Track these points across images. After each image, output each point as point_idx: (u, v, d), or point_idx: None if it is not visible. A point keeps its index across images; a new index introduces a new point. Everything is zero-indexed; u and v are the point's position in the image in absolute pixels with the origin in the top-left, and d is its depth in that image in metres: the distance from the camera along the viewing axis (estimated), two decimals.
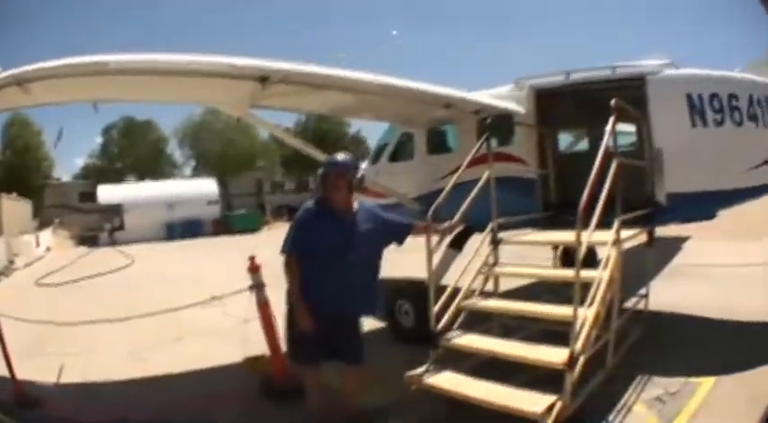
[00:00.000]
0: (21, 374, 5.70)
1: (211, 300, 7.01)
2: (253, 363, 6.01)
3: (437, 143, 8.48)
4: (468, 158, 5.84)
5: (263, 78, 5.46)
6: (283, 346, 4.99)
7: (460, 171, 5.66)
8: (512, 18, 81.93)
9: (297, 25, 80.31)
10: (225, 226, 35.72)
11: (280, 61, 5.53)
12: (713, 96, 6.32)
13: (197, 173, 49.69)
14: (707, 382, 5.00)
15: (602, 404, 4.61)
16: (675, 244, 12.24)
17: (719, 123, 6.31)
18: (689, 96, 6.33)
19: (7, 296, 14.19)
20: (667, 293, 7.74)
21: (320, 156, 6.15)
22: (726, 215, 6.92)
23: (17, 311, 8.19)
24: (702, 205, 6.46)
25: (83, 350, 7.50)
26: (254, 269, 5.73)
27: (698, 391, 4.87)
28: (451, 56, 78.00)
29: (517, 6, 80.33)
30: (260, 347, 5.80)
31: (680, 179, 6.30)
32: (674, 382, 5.04)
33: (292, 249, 4.29)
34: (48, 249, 28.27)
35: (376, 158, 9.53)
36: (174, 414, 5.22)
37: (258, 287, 5.70)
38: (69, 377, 6.43)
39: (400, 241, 4.65)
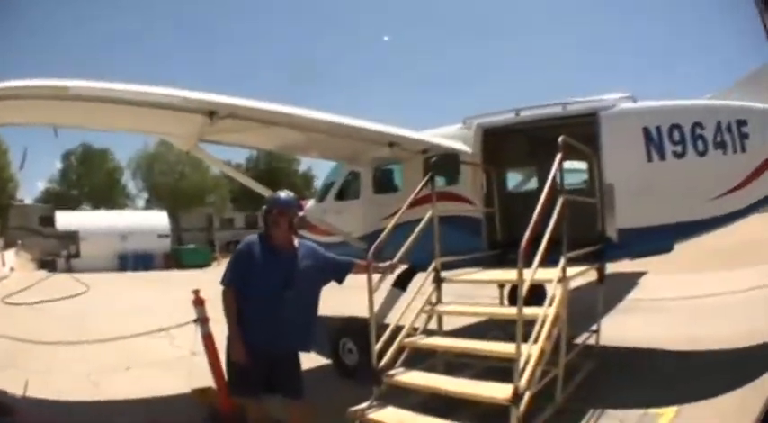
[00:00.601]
0: None
1: (160, 331, 6.89)
2: (200, 394, 5.95)
3: (383, 182, 8.50)
4: (411, 198, 5.86)
5: (212, 112, 5.50)
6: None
7: (402, 211, 5.68)
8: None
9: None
10: (175, 260, 35.92)
11: (230, 96, 5.61)
12: (674, 127, 6.25)
13: (149, 205, 49.73)
14: (668, 412, 4.91)
15: None
16: (632, 279, 12.38)
17: (680, 155, 6.25)
18: (646, 130, 6.32)
19: None
20: (623, 328, 7.78)
21: (266, 192, 6.15)
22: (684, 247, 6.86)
23: None
24: (657, 239, 6.41)
25: (45, 368, 7.71)
26: (198, 302, 5.68)
27: (659, 422, 4.79)
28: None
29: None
30: (207, 378, 5.70)
31: (632, 214, 6.30)
32: (631, 414, 4.97)
33: (231, 281, 4.29)
34: (12, 269, 28.55)
35: (322, 197, 9.53)
36: None
37: (202, 320, 5.65)
38: (33, 392, 6.54)
39: (340, 279, 4.68)
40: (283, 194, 4.54)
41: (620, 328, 7.64)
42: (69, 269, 31.75)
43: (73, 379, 7.28)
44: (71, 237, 35.88)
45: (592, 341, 6.74)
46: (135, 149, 49.89)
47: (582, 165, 8.13)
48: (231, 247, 40.62)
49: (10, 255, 31.26)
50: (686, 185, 6.27)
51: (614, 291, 10.05)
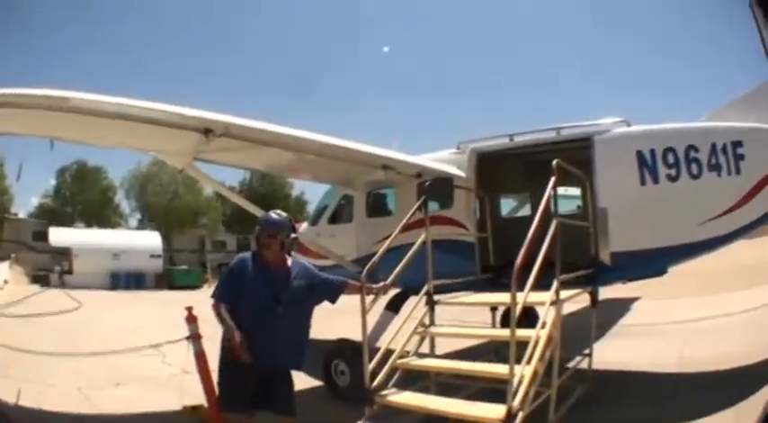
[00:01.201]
0: None
1: (152, 347, 6.87)
2: (192, 411, 5.91)
3: (377, 206, 8.51)
4: (404, 221, 5.89)
5: (207, 130, 5.52)
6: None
7: (394, 234, 5.71)
8: None
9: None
10: (167, 280, 35.84)
11: (226, 115, 5.61)
12: (668, 151, 6.25)
13: (142, 225, 49.22)
14: None
15: None
16: (625, 305, 12.33)
17: (673, 178, 6.24)
18: (639, 153, 6.34)
19: None
20: (617, 353, 7.74)
21: (260, 213, 6.10)
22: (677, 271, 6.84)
23: None
24: (650, 262, 6.40)
25: (37, 379, 7.65)
26: (191, 319, 5.69)
27: None
28: None
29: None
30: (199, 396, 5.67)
31: (625, 238, 6.31)
32: None
33: (221, 297, 4.29)
34: (6, 282, 28.32)
35: (316, 220, 9.57)
36: None
37: (194, 337, 5.65)
38: (25, 402, 6.57)
39: (333, 299, 4.71)
40: (274, 216, 4.56)
41: (613, 352, 7.61)
42: (63, 285, 31.44)
43: (65, 391, 7.25)
44: (64, 253, 35.66)
45: (584, 365, 6.70)
46: (128, 169, 49.42)
47: (575, 191, 8.18)
48: (223, 269, 40.41)
49: (4, 267, 31.18)
50: (680, 208, 6.27)
51: (607, 316, 10.03)
